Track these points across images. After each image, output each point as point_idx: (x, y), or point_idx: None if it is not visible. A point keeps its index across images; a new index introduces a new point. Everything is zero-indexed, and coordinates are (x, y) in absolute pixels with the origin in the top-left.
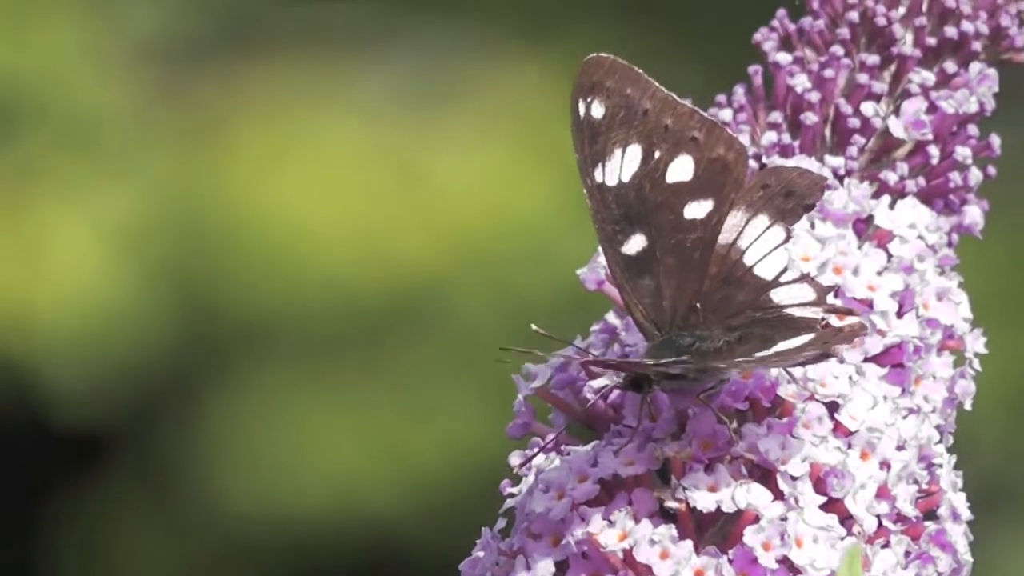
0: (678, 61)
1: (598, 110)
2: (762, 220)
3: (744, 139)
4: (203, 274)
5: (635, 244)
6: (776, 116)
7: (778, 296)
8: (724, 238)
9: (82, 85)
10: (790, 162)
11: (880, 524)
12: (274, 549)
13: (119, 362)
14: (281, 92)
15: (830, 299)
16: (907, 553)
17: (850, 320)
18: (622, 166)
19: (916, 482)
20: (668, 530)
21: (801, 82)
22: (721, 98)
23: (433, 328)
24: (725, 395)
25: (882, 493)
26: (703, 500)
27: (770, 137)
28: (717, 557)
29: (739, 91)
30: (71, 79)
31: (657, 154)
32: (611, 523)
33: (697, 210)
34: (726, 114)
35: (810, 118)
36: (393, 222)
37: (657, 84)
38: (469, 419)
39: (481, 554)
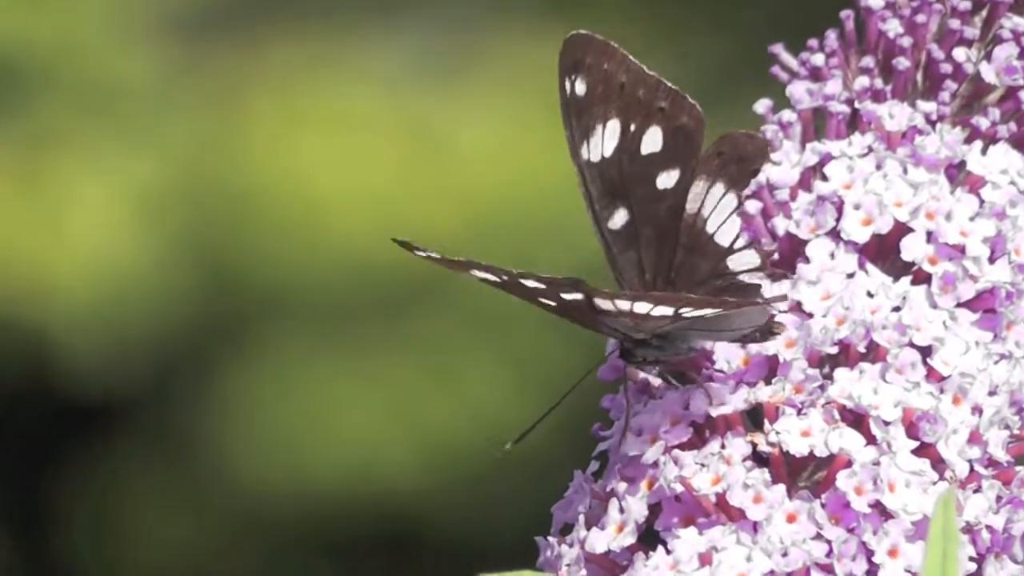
0: (704, 31)
1: (581, 87)
2: (719, 188)
3: (836, 84)
4: (221, 242)
5: (619, 219)
6: (868, 61)
7: (732, 263)
8: (690, 207)
9: (103, 53)
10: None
11: (972, 469)
12: (291, 519)
13: (136, 330)
14: (300, 60)
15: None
16: (998, 498)
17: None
18: (603, 142)
19: (1007, 427)
20: (761, 474)
21: (893, 27)
22: (813, 43)
23: (451, 296)
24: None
25: (974, 438)
26: (796, 444)
27: (862, 82)
28: (810, 501)
29: (831, 36)
30: (92, 46)
31: (632, 127)
32: (704, 467)
33: (667, 180)
34: (818, 59)
35: (902, 63)
36: (412, 190)
37: (631, 57)
38: (488, 388)
39: (574, 496)
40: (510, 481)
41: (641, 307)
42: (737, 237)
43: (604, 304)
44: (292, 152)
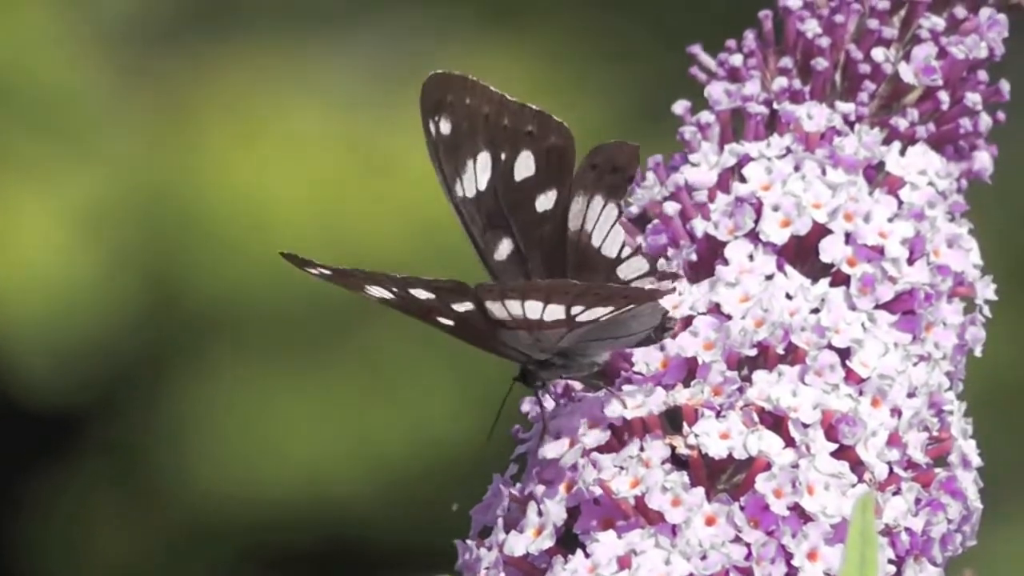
0: (652, 48)
1: (446, 126)
2: (598, 201)
3: (755, 85)
4: (169, 256)
5: (504, 249)
6: (787, 62)
7: (622, 272)
8: (572, 225)
9: (50, 67)
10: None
11: (891, 471)
12: (242, 528)
13: (85, 344)
14: (250, 76)
15: (660, 265)
16: (917, 500)
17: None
18: (476, 176)
19: (927, 429)
20: (680, 477)
21: (811, 27)
22: (731, 43)
23: (396, 312)
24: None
25: (893, 440)
26: (715, 447)
27: (780, 83)
28: (729, 504)
29: (749, 36)
30: (39, 61)
31: (503, 156)
32: (623, 469)
33: (546, 201)
34: (736, 59)
35: (821, 63)
36: (359, 206)
37: (492, 87)
38: (433, 402)
39: (493, 499)
40: (455, 491)
41: (533, 307)
42: (623, 246)
43: (496, 309)
44: (240, 167)
